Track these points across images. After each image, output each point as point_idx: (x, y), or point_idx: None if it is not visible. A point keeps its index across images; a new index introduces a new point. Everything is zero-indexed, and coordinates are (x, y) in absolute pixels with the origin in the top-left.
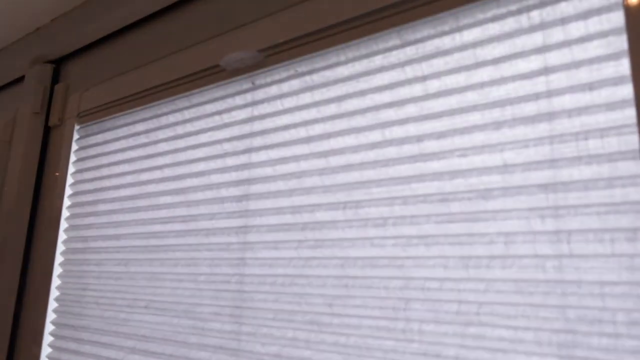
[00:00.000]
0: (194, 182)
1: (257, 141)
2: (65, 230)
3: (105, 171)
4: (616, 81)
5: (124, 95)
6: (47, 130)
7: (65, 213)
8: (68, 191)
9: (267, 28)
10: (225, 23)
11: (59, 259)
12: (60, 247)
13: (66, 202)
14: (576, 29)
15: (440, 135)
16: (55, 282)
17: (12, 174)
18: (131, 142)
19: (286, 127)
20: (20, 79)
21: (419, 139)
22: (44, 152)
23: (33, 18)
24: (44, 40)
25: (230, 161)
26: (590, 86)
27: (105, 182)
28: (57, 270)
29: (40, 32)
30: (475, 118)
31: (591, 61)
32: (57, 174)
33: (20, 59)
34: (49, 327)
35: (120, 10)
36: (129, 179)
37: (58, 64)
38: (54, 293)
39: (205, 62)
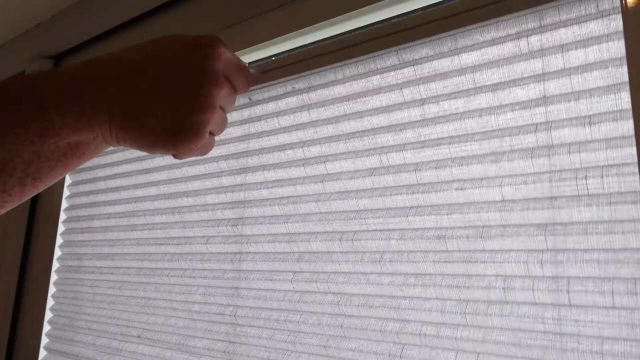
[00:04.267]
0: (190, 201)
1: (253, 160)
2: (60, 247)
3: (101, 185)
4: (616, 116)
5: None
6: None
7: (60, 227)
8: (64, 204)
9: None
10: (225, 20)
11: (53, 277)
12: (55, 265)
13: (62, 215)
14: (576, 57)
15: (439, 164)
16: (50, 302)
17: None
18: (127, 154)
19: (282, 147)
20: (20, 75)
21: (417, 167)
22: None
23: (33, 14)
24: (44, 35)
25: (226, 181)
26: (590, 120)
27: (101, 196)
28: (51, 289)
29: (41, 28)
30: (473, 148)
31: (591, 93)
32: None
33: (21, 54)
34: (42, 353)
35: (121, 6)
36: (124, 194)
37: (58, 60)
38: (47, 314)
39: None
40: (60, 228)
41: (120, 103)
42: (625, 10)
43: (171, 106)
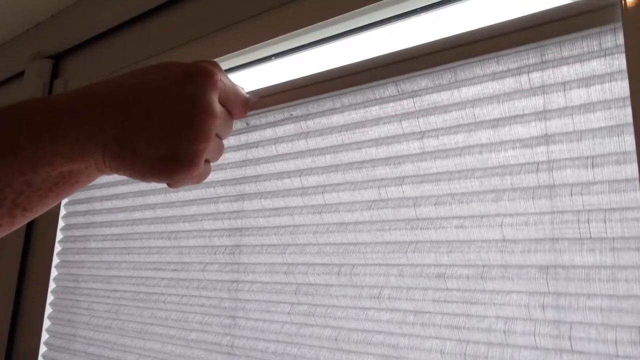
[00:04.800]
0: (186, 226)
1: (251, 187)
2: (57, 267)
3: (97, 205)
4: (619, 158)
5: None
6: None
7: (57, 247)
8: (60, 223)
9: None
10: (225, 20)
11: (49, 297)
12: (51, 285)
13: (58, 235)
14: (578, 96)
15: (438, 200)
16: (46, 323)
17: None
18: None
19: (280, 175)
20: (20, 74)
21: (416, 202)
22: None
23: (33, 13)
24: (44, 35)
25: (223, 207)
26: (592, 161)
27: (97, 217)
28: (47, 310)
29: (40, 28)
30: (474, 185)
31: (593, 134)
32: None
33: (20, 54)
34: None
35: (120, 5)
36: (120, 216)
37: (58, 59)
38: (44, 336)
39: (206, 57)
40: (57, 248)
41: (115, 132)
42: (629, 50)
43: (165, 136)
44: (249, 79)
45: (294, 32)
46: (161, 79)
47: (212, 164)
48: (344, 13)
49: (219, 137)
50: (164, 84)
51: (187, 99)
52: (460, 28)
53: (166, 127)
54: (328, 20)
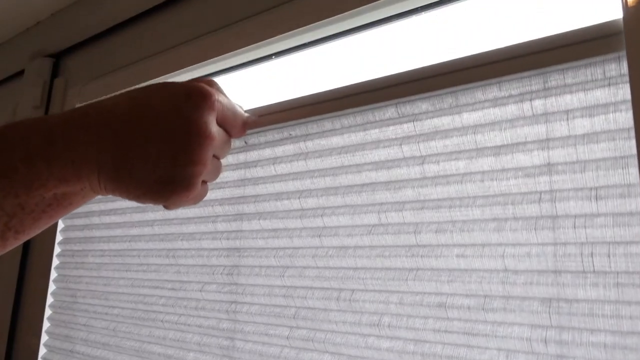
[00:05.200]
0: (184, 244)
1: (249, 207)
2: (55, 281)
3: (95, 219)
4: (624, 191)
5: (123, 89)
6: None
7: (55, 261)
8: (58, 237)
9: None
10: (225, 19)
11: (47, 312)
12: (49, 299)
13: (56, 248)
14: (581, 126)
15: (439, 228)
16: (44, 338)
17: None
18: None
19: (279, 196)
20: (20, 73)
21: (417, 229)
22: None
23: (33, 12)
24: (44, 34)
25: (221, 226)
26: (596, 193)
27: (95, 231)
28: (45, 324)
29: (40, 26)
30: (475, 213)
31: (597, 165)
32: None
33: (20, 53)
34: None
35: (120, 4)
36: (118, 231)
37: (58, 58)
38: (42, 350)
39: (206, 56)
40: (55, 261)
41: (111, 154)
42: (633, 80)
43: (161, 158)
44: (248, 79)
45: (294, 30)
46: (159, 101)
47: (210, 182)
48: (344, 12)
49: (217, 158)
50: (161, 106)
51: (184, 121)
52: (460, 28)
53: (163, 150)
54: (328, 19)
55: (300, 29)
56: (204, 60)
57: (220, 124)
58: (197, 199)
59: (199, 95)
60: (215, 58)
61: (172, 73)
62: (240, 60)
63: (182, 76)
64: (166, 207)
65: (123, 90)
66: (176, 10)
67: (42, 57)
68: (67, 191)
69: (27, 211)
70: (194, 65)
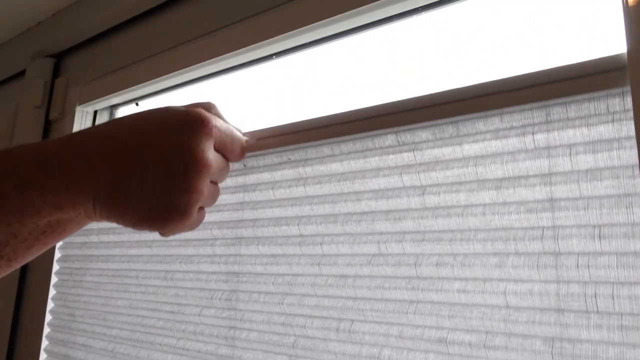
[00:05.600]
0: (183, 267)
1: (248, 232)
2: (53, 299)
3: (93, 238)
4: (628, 231)
5: (124, 90)
6: (47, 124)
7: (54, 278)
8: (57, 254)
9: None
10: (225, 19)
11: (46, 329)
12: (47, 317)
13: (55, 266)
14: (584, 162)
15: (440, 261)
16: (42, 356)
17: None
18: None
19: (277, 221)
20: (22, 73)
21: (417, 261)
22: None
23: (34, 12)
24: (45, 34)
25: (220, 250)
26: (600, 232)
27: (94, 250)
28: (44, 343)
29: (42, 27)
30: (476, 248)
31: (601, 203)
32: None
33: (21, 53)
34: None
35: (121, 4)
36: (117, 251)
37: (59, 58)
38: None
39: (207, 56)
40: (54, 279)
41: (107, 181)
42: (638, 117)
43: (158, 186)
44: (248, 79)
45: (294, 30)
46: (156, 127)
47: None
48: (344, 12)
49: (215, 183)
50: (158, 132)
51: (180, 148)
52: (460, 28)
53: (159, 178)
54: (328, 19)
55: (300, 29)
56: (204, 60)
57: (218, 149)
58: (194, 226)
59: (197, 122)
60: (216, 58)
61: (172, 73)
62: (240, 60)
63: (182, 76)
64: (162, 234)
65: (119, 116)
66: (176, 11)
67: (43, 57)
68: (62, 218)
69: (20, 239)
70: (194, 65)
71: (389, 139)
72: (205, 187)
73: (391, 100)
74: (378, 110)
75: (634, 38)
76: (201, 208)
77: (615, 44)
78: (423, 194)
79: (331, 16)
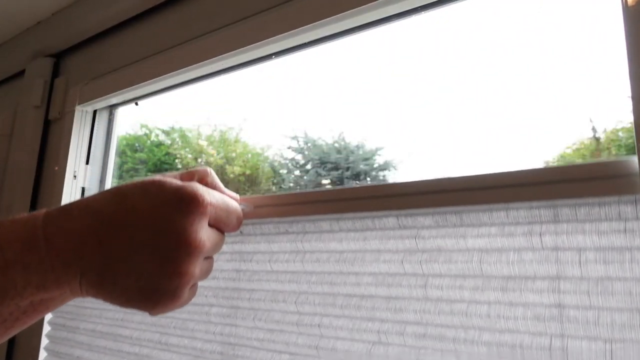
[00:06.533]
0: (177, 332)
1: (244, 303)
2: (45, 348)
3: (88, 304)
4: None
5: (123, 89)
6: (47, 124)
7: (44, 340)
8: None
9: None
10: (225, 19)
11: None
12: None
13: (46, 327)
14: (595, 270)
15: (443, 359)
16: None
17: (13, 167)
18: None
19: (274, 296)
20: (21, 73)
21: (419, 356)
22: (44, 145)
23: (34, 12)
24: (45, 34)
25: (215, 319)
26: (611, 348)
27: (87, 304)
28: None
29: (41, 26)
30: (481, 351)
31: (612, 316)
32: (56, 168)
33: (21, 52)
34: None
35: (121, 4)
36: (110, 314)
37: (58, 58)
38: None
39: (207, 56)
40: (44, 341)
41: (95, 260)
42: None
43: (147, 267)
44: (248, 79)
45: (294, 30)
46: (148, 205)
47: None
48: (344, 11)
49: (208, 257)
50: (150, 211)
51: (172, 229)
52: (460, 28)
53: (149, 259)
54: (328, 19)
55: (300, 29)
56: (204, 60)
57: (213, 224)
58: (185, 304)
59: (191, 201)
60: (215, 58)
61: (172, 72)
62: (240, 60)
63: (181, 76)
64: (151, 314)
65: (112, 187)
66: (176, 10)
67: (42, 56)
68: (45, 298)
69: None
70: (193, 65)
71: (390, 221)
72: (197, 268)
73: (393, 182)
74: (379, 190)
75: (634, 38)
76: (193, 285)
77: (615, 44)
78: (425, 285)
79: (330, 16)
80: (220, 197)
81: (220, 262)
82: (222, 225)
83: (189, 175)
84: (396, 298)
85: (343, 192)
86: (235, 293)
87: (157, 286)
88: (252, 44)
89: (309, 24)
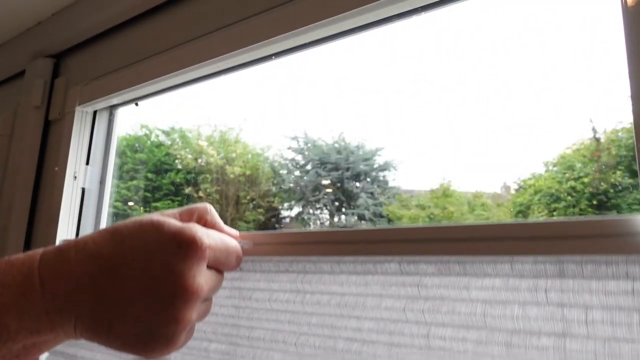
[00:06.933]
0: None
1: (243, 341)
2: None
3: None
4: None
5: (123, 90)
6: (47, 124)
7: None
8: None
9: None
10: (225, 19)
11: None
12: None
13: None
14: (602, 331)
15: None
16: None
17: (13, 167)
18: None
19: (274, 336)
20: (21, 73)
21: None
22: (44, 145)
23: (34, 12)
24: (45, 34)
25: (214, 356)
26: None
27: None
28: None
29: (41, 27)
30: None
31: None
32: (56, 168)
33: (21, 53)
34: None
35: (121, 4)
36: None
37: (58, 58)
38: None
39: (207, 56)
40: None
41: (90, 304)
42: None
43: (143, 313)
44: (248, 79)
45: (294, 31)
46: (145, 249)
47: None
48: (344, 12)
49: (206, 299)
50: (147, 254)
51: (169, 274)
52: (460, 28)
53: (145, 305)
54: (328, 19)
55: (300, 29)
56: (204, 61)
57: (212, 266)
58: (181, 347)
59: (189, 246)
60: (215, 58)
61: (172, 73)
62: (240, 61)
63: (181, 76)
64: (146, 359)
65: (110, 226)
66: (176, 11)
67: (42, 57)
68: (38, 341)
69: None
70: (193, 65)
71: (392, 266)
72: (195, 313)
73: (396, 227)
74: (381, 235)
75: (634, 38)
76: (191, 328)
77: (615, 44)
78: (428, 335)
79: (331, 16)
80: (220, 238)
81: (219, 297)
82: (221, 265)
83: (188, 214)
84: (398, 346)
85: (344, 235)
86: (234, 330)
87: (153, 332)
88: (252, 44)
89: (309, 24)
